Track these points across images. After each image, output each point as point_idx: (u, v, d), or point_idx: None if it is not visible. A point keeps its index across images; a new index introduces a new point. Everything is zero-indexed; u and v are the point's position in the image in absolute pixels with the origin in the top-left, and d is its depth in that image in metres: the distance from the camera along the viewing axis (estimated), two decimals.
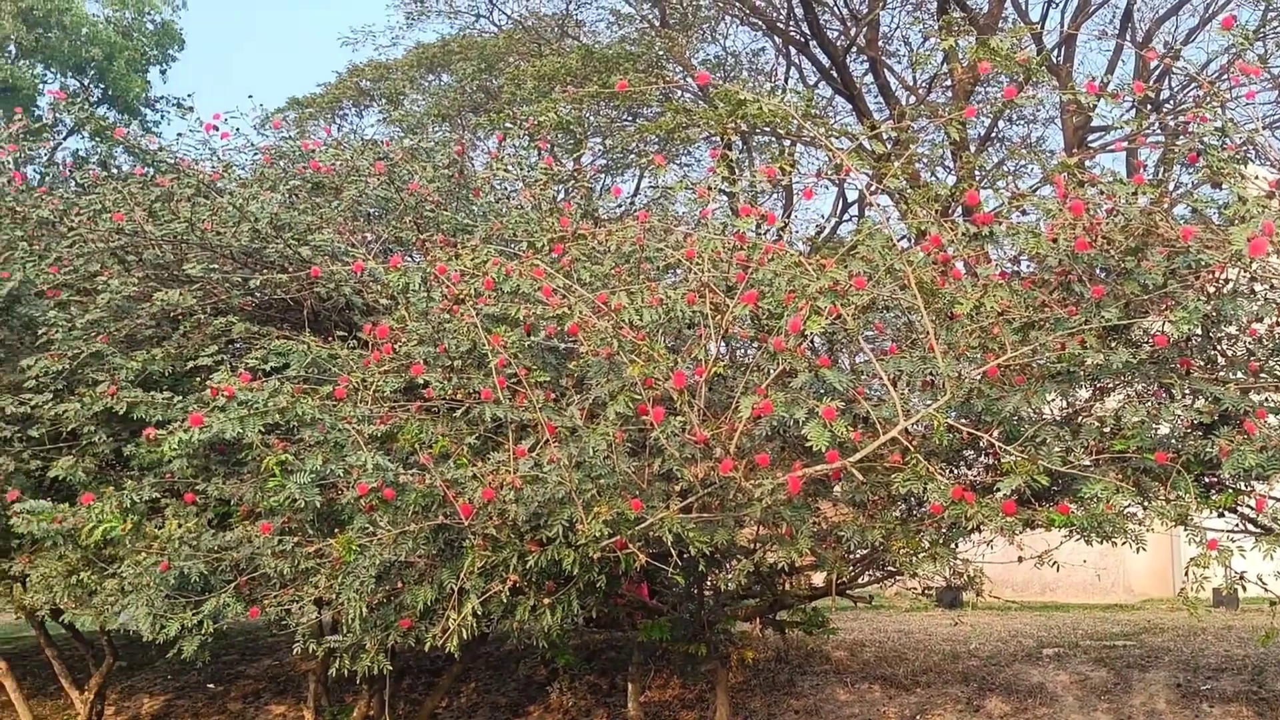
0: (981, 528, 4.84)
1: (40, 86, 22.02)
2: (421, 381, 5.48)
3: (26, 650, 11.84)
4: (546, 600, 5.52)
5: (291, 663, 10.58)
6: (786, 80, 21.35)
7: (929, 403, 4.83)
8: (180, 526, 5.93)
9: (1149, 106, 16.06)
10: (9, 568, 7.20)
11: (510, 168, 8.10)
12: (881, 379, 4.78)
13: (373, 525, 5.35)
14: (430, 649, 5.48)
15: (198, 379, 6.36)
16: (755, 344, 5.53)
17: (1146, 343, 5.02)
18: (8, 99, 19.49)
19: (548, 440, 4.77)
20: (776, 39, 20.50)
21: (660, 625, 7.21)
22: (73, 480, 6.57)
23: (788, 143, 18.25)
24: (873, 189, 5.62)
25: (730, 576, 6.27)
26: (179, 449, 5.47)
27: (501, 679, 9.84)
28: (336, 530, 5.64)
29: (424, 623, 5.60)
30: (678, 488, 4.94)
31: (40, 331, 6.92)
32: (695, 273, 5.13)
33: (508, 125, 9.20)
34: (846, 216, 21.54)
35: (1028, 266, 5.72)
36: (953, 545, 5.41)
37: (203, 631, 5.80)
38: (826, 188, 20.30)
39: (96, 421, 6.54)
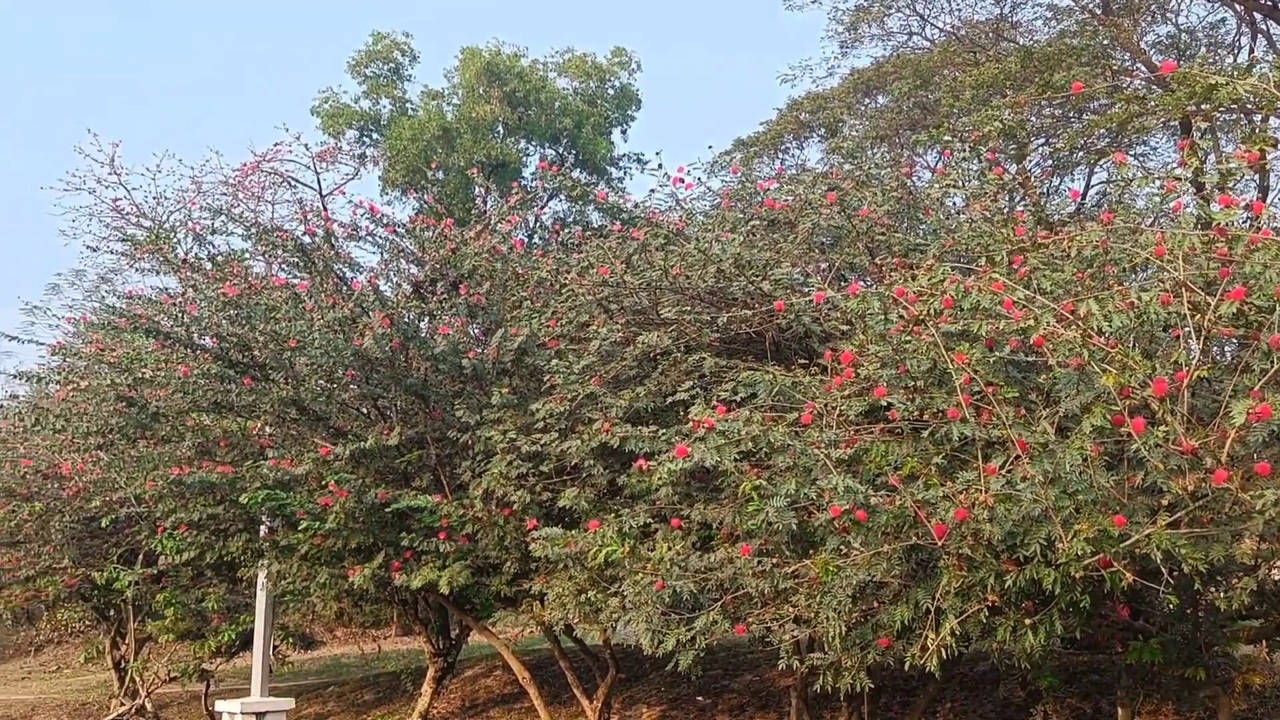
0: None
1: (523, 159, 24.77)
2: (884, 403, 5.61)
3: (541, 661, 13.26)
4: (1028, 621, 5.42)
5: (771, 678, 11.05)
6: (1253, 49, 19.24)
7: None
8: (670, 549, 6.48)
9: None
10: (529, 587, 8.22)
11: (958, 182, 8.05)
12: None
13: (846, 546, 5.54)
14: (909, 668, 5.57)
15: (676, 412, 6.94)
16: (1242, 343, 5.11)
17: None
18: (500, 174, 22.14)
19: (1018, 457, 4.72)
20: (1238, 7, 18.58)
21: (1150, 647, 6.79)
22: (576, 509, 7.41)
23: (1259, 118, 16.41)
24: None
25: (1229, 595, 5.78)
26: (666, 478, 6.04)
27: (978, 700, 9.65)
28: (810, 551, 5.89)
29: (901, 641, 5.70)
30: (1164, 501, 4.70)
31: (544, 378, 7.90)
32: (1167, 271, 4.86)
33: (947, 138, 9.14)
34: None
35: None
36: None
37: (695, 646, 6.29)
38: None
39: (594, 455, 7.36)
